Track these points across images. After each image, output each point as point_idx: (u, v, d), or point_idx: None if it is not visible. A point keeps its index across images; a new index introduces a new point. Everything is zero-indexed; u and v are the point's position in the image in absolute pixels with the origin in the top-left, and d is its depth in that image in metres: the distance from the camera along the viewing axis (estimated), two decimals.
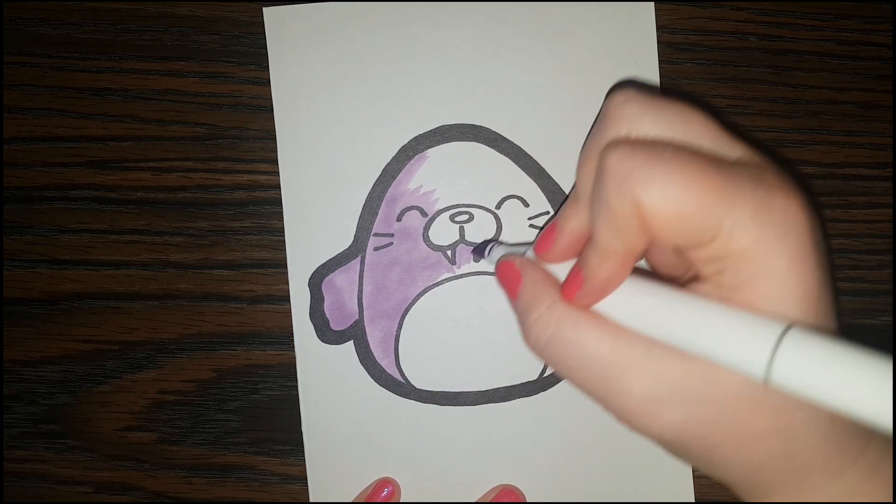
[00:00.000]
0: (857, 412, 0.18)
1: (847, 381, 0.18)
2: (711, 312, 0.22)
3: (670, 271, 0.27)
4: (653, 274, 0.28)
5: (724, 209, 0.21)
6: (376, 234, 0.35)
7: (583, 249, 0.25)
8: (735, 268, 0.22)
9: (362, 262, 0.35)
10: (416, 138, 0.35)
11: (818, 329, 0.20)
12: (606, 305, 0.24)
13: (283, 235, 0.35)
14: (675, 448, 0.24)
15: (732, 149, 0.23)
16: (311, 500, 0.36)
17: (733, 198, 0.21)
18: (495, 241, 0.34)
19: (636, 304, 0.24)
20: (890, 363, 0.18)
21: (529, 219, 0.35)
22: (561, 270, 0.27)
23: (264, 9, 0.35)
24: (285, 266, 0.35)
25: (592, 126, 0.27)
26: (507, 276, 0.28)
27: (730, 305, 0.22)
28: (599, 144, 0.24)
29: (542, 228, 0.34)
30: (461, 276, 0.35)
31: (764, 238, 0.21)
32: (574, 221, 0.26)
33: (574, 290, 0.25)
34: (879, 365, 0.18)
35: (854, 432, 0.24)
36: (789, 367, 0.19)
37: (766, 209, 0.21)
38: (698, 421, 0.23)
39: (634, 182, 0.21)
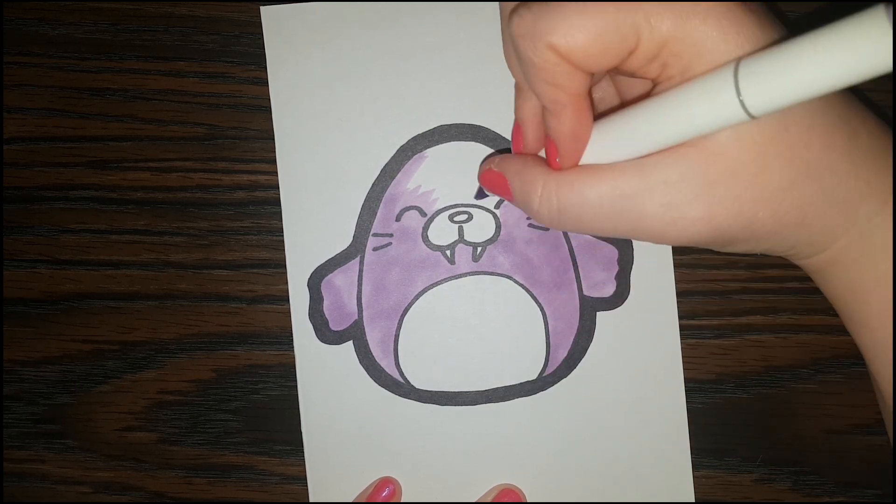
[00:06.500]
0: (855, 73, 0.18)
1: (830, 50, 0.18)
2: (669, 98, 0.22)
3: (635, 93, 0.28)
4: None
5: (631, 10, 0.21)
6: (375, 234, 0.35)
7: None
8: (673, 55, 0.22)
9: (361, 263, 0.35)
10: (414, 138, 0.35)
11: (767, 47, 0.20)
12: (588, 156, 0.25)
13: (283, 235, 0.35)
14: (722, 242, 0.24)
15: None
16: (311, 500, 0.36)
17: None
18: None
19: (607, 137, 0.25)
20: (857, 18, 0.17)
21: (528, 218, 0.35)
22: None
23: (262, 8, 0.35)
24: (285, 266, 0.35)
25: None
26: (493, 180, 0.29)
27: (680, 84, 0.22)
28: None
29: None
30: (460, 275, 0.35)
31: (682, 14, 0.21)
32: (528, 108, 0.27)
33: (554, 156, 0.26)
34: (847, 25, 0.17)
35: (886, 152, 0.23)
36: (758, 88, 0.19)
37: None
38: (719, 203, 0.23)
39: (540, 32, 0.22)
